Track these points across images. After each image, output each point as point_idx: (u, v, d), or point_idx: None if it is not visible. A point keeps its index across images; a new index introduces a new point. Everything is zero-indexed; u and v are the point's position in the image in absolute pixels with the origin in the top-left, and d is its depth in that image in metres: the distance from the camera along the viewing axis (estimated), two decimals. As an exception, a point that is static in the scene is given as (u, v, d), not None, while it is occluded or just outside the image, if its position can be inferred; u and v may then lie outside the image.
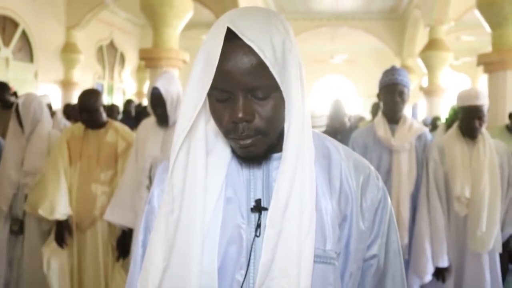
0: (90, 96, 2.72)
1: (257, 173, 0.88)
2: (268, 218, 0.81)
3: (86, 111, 2.70)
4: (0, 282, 2.97)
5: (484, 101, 2.42)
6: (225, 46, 0.76)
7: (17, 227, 3.01)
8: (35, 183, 2.87)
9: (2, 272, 3.00)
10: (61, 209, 2.66)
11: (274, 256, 0.79)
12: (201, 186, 0.83)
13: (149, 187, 2.46)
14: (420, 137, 2.59)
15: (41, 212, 2.65)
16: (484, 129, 2.50)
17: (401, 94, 2.52)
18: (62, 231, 2.72)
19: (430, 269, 2.45)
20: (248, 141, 0.80)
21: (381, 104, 2.66)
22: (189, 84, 0.81)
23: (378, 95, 2.65)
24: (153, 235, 0.85)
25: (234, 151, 0.88)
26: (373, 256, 0.92)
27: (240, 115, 0.78)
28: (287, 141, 0.80)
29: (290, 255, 0.79)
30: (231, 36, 0.76)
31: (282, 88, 0.78)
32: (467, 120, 2.44)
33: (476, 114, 2.41)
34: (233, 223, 0.85)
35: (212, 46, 0.78)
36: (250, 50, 0.76)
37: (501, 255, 2.49)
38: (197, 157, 0.84)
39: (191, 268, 0.81)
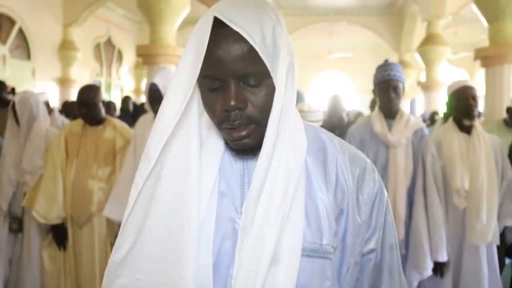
0: (90, 91, 2.73)
1: (251, 167, 0.86)
2: (243, 206, 0.80)
3: (85, 105, 2.70)
4: (0, 281, 2.97)
5: (476, 86, 2.44)
6: (215, 33, 0.76)
7: (16, 225, 3.00)
8: (34, 182, 2.86)
9: (2, 270, 2.99)
10: (54, 213, 2.68)
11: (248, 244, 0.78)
12: (195, 180, 0.82)
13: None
14: (416, 132, 2.60)
15: (35, 215, 2.68)
16: (478, 124, 2.50)
17: (396, 89, 2.51)
18: (58, 235, 2.74)
19: (429, 265, 2.44)
20: (243, 133, 0.79)
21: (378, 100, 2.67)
22: (177, 73, 0.79)
23: (374, 91, 2.65)
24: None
25: (227, 144, 0.87)
26: (371, 251, 0.91)
27: (232, 102, 0.77)
28: (267, 131, 0.78)
29: (258, 244, 0.77)
30: (221, 24, 0.76)
31: (272, 75, 0.77)
32: (462, 100, 2.43)
33: (469, 93, 2.42)
34: (227, 217, 0.84)
35: (200, 34, 0.77)
36: (240, 37, 0.75)
37: (498, 248, 2.49)
38: (190, 151, 0.83)
39: (186, 265, 0.80)
